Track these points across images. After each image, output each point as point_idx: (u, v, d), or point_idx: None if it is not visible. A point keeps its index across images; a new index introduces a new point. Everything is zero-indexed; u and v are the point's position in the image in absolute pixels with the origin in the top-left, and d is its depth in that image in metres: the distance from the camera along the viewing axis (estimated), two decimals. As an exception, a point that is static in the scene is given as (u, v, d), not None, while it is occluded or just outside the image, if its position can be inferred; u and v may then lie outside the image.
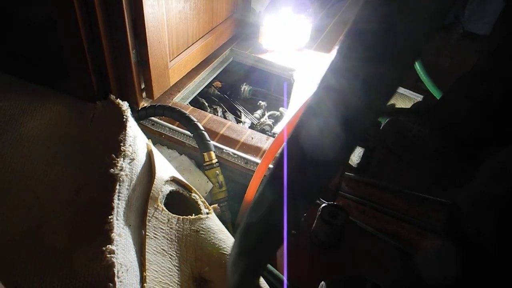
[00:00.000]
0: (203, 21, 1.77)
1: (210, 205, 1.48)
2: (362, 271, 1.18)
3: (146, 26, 1.40)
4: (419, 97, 1.63)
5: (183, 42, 1.69)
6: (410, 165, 1.42)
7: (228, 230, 1.44)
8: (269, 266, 1.14)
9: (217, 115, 1.82)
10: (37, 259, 0.99)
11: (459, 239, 0.89)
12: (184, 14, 1.62)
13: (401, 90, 1.63)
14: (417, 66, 1.62)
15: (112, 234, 0.95)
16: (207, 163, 1.40)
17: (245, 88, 1.97)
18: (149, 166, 1.17)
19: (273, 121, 1.82)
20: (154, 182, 1.11)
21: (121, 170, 1.07)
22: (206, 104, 1.89)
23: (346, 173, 1.39)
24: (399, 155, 1.44)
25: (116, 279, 0.87)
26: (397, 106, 1.64)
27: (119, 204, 1.02)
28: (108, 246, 0.92)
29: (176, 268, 1.02)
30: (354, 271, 1.18)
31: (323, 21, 2.20)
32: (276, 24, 1.91)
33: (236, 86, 1.99)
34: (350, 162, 1.42)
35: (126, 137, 1.19)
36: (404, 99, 1.64)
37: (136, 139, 1.21)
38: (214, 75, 1.94)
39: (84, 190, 1.16)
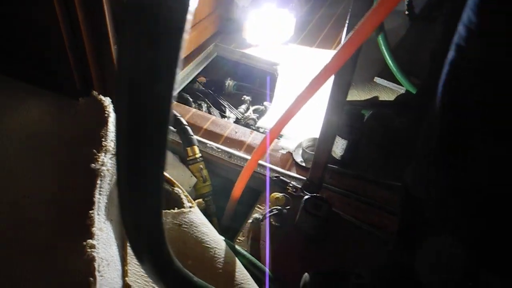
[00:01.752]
0: (186, 16, 1.76)
1: (194, 200, 1.49)
2: (347, 262, 1.19)
3: (127, 21, 1.40)
4: (402, 90, 1.64)
5: (166, 37, 1.68)
6: (393, 156, 1.43)
7: (213, 225, 1.45)
8: (252, 258, 1.15)
9: (202, 111, 1.82)
10: (20, 257, 0.98)
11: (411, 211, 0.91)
12: (166, 9, 1.61)
13: (384, 82, 1.65)
14: (389, 59, 1.62)
15: (93, 229, 0.94)
16: (191, 157, 1.40)
17: (229, 83, 1.97)
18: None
19: (258, 115, 1.82)
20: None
21: (102, 165, 1.07)
22: (191, 99, 1.88)
23: (329, 165, 1.40)
24: (383, 146, 1.45)
25: (96, 273, 0.87)
26: (380, 99, 1.65)
27: (101, 199, 1.02)
28: (88, 240, 0.91)
29: (159, 262, 1.02)
30: (339, 262, 1.19)
31: (307, 15, 2.21)
32: (260, 19, 1.91)
33: (221, 81, 1.99)
34: (333, 154, 1.43)
35: (108, 132, 1.19)
36: (388, 91, 1.66)
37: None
38: (198, 71, 1.94)
39: (67, 186, 1.15)
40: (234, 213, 1.37)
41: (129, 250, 0.98)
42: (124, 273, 0.93)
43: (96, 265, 0.88)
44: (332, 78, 1.12)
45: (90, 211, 0.98)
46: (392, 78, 1.62)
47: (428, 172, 0.84)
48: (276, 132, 1.11)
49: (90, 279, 0.86)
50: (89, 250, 0.91)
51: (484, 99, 0.67)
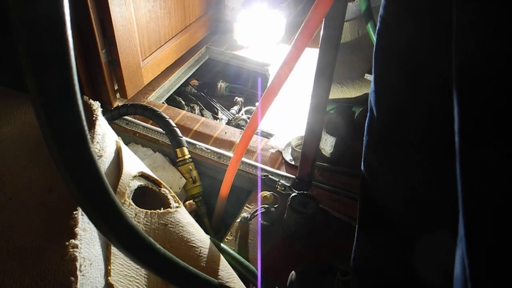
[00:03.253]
0: (175, 20, 1.77)
1: (185, 201, 1.49)
2: (336, 259, 1.18)
3: (114, 25, 1.41)
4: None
5: (155, 41, 1.69)
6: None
7: (204, 225, 1.45)
8: (239, 257, 1.14)
9: (195, 113, 1.83)
10: (8, 259, 0.98)
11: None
12: (154, 13, 1.62)
13: (373, 79, 1.64)
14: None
15: (76, 229, 0.95)
16: (180, 159, 1.40)
17: (221, 85, 1.98)
18: (117, 162, 1.17)
19: (249, 116, 1.82)
20: (121, 178, 1.11)
21: (87, 166, 1.07)
22: (183, 102, 1.89)
23: (319, 163, 1.40)
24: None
25: (78, 273, 0.87)
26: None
27: (85, 200, 1.02)
28: (71, 240, 0.92)
29: (143, 261, 1.02)
30: (328, 259, 1.18)
31: (299, 16, 2.21)
32: (250, 20, 1.92)
33: (213, 84, 2.00)
34: (323, 152, 1.43)
35: (95, 135, 1.19)
36: (377, 88, 1.65)
37: (105, 137, 1.21)
38: (190, 73, 1.95)
39: (57, 189, 1.16)
40: (223, 213, 1.38)
41: (113, 250, 0.98)
42: (107, 273, 0.94)
43: (78, 264, 0.89)
44: (312, 74, 1.13)
45: (74, 212, 0.98)
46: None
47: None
48: (252, 129, 1.11)
49: (71, 278, 0.86)
50: (71, 250, 0.91)
51: None
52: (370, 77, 1.68)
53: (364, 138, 0.89)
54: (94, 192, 0.56)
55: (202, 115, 1.86)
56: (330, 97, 1.66)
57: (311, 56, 1.06)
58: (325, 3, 0.83)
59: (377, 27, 0.74)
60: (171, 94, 1.87)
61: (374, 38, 1.65)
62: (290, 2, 2.20)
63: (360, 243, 0.97)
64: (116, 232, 0.63)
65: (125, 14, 1.44)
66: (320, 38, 1.07)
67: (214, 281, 0.91)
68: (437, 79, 0.68)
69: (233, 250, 1.17)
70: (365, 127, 0.87)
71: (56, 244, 0.98)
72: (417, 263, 0.86)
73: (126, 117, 1.57)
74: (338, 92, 1.65)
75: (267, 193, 1.27)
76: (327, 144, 1.39)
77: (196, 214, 1.44)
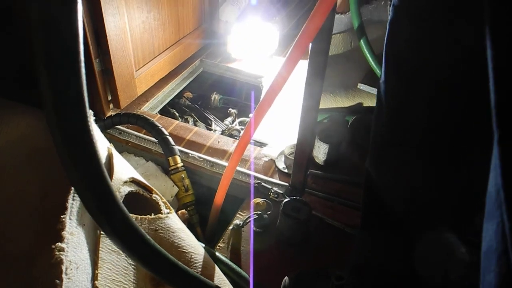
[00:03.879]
0: (169, 31, 1.79)
1: (177, 210, 1.47)
2: (330, 265, 1.16)
3: (107, 35, 1.41)
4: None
5: (149, 52, 1.70)
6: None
7: (197, 234, 1.43)
8: (231, 263, 1.12)
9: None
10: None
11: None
12: (148, 24, 1.64)
13: (368, 88, 1.65)
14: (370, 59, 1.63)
15: (63, 233, 0.93)
16: (172, 167, 1.39)
17: (215, 97, 1.98)
18: (108, 167, 1.16)
19: (243, 127, 1.82)
20: (112, 183, 1.09)
21: (77, 171, 1.06)
22: (177, 114, 1.89)
23: (312, 170, 1.39)
24: (367, 149, 1.44)
25: (63, 276, 0.85)
26: (365, 105, 1.65)
27: (74, 204, 1.01)
28: (57, 244, 0.90)
29: (132, 266, 1.00)
30: (321, 266, 1.16)
31: (293, 29, 2.23)
32: (244, 33, 1.94)
33: (207, 96, 2.00)
34: (316, 160, 1.42)
35: (86, 141, 1.18)
36: (372, 97, 1.66)
37: (96, 143, 1.20)
38: (184, 85, 1.95)
39: (50, 196, 1.14)
40: (218, 222, 1.36)
41: (101, 255, 0.96)
42: (94, 277, 0.91)
43: (63, 267, 0.87)
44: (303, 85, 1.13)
45: (62, 216, 0.97)
46: (376, 84, 1.62)
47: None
48: (247, 138, 1.11)
49: (56, 281, 0.84)
50: (57, 253, 0.89)
51: None
52: (363, 87, 1.69)
53: (370, 136, 0.88)
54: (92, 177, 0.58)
55: (196, 126, 1.85)
56: (324, 106, 1.66)
57: (302, 67, 1.08)
58: (319, 17, 0.86)
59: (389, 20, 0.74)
60: (165, 106, 1.87)
61: (367, 53, 1.68)
62: (284, 16, 2.22)
63: (361, 243, 0.95)
64: (112, 221, 0.63)
65: (119, 24, 1.45)
66: (309, 50, 1.08)
67: (207, 281, 0.90)
68: (437, 79, 0.68)
69: (226, 257, 1.15)
70: (372, 125, 0.87)
71: (47, 251, 0.96)
72: (417, 262, 0.85)
73: (119, 126, 1.57)
74: (331, 102, 1.66)
75: (259, 200, 1.26)
76: (320, 152, 1.39)
77: (189, 223, 1.42)
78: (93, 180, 0.60)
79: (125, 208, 0.69)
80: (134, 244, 0.72)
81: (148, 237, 0.75)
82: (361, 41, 1.70)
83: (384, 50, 0.76)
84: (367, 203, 0.93)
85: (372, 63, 1.65)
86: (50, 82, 0.50)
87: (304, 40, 0.92)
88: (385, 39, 0.75)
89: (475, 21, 0.60)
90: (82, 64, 0.50)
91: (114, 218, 0.67)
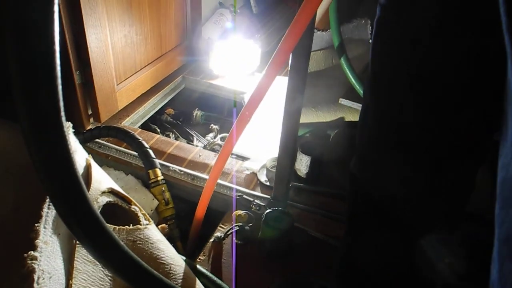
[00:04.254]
0: (151, 47, 1.79)
1: (157, 224, 1.44)
2: (313, 276, 1.14)
3: (88, 47, 1.41)
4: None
5: (131, 66, 1.69)
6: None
7: (178, 248, 1.39)
8: (212, 276, 1.09)
9: (169, 140, 1.80)
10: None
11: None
12: (130, 38, 1.63)
13: (349, 103, 1.67)
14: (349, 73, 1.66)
15: (37, 241, 0.90)
16: (152, 180, 1.36)
17: (197, 113, 1.97)
18: (86, 178, 1.13)
19: (223, 142, 1.81)
20: (89, 192, 1.07)
21: (53, 181, 1.03)
22: (158, 130, 1.87)
23: (294, 183, 1.38)
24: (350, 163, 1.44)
25: (35, 285, 0.82)
26: (346, 120, 1.67)
27: (49, 213, 0.98)
28: (30, 252, 0.87)
29: (109, 278, 0.96)
30: (304, 277, 1.14)
31: (275, 48, 2.25)
32: (226, 50, 1.95)
33: (189, 112, 1.99)
34: (299, 173, 1.41)
35: (63, 151, 1.16)
36: (353, 112, 1.67)
37: (75, 154, 1.17)
38: (166, 101, 1.95)
39: (24, 207, 1.11)
40: (199, 236, 1.33)
41: (76, 265, 0.93)
42: (68, 287, 0.88)
43: (35, 277, 0.83)
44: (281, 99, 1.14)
45: (36, 224, 0.94)
46: (357, 99, 1.65)
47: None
48: (228, 149, 1.11)
49: (27, 291, 0.81)
50: (29, 261, 0.86)
51: None
52: (345, 102, 1.71)
53: (357, 136, 0.88)
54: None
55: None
56: (305, 121, 1.67)
57: (283, 84, 1.11)
58: (295, 35, 0.90)
59: (376, 19, 0.74)
60: (146, 122, 1.85)
61: (348, 71, 1.70)
62: (267, 35, 2.25)
63: (347, 245, 0.94)
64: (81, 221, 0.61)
65: (100, 36, 1.45)
66: (289, 67, 1.10)
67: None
68: (433, 80, 0.68)
69: (207, 270, 1.12)
70: (358, 126, 0.87)
71: (18, 265, 0.92)
72: (407, 265, 0.83)
73: (98, 140, 1.54)
74: (313, 116, 1.66)
75: (241, 212, 1.24)
76: (303, 164, 1.38)
77: (169, 238, 1.39)
78: (63, 178, 0.58)
79: (98, 212, 0.67)
80: (106, 249, 0.69)
81: (122, 243, 0.72)
82: (342, 59, 1.73)
83: (370, 51, 0.77)
84: (352, 206, 0.91)
85: (353, 80, 1.67)
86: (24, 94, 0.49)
87: (281, 56, 0.96)
88: (372, 38, 0.76)
89: (469, 23, 0.61)
90: (58, 75, 0.50)
91: (86, 221, 0.64)
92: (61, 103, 0.51)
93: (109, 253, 0.69)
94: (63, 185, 0.59)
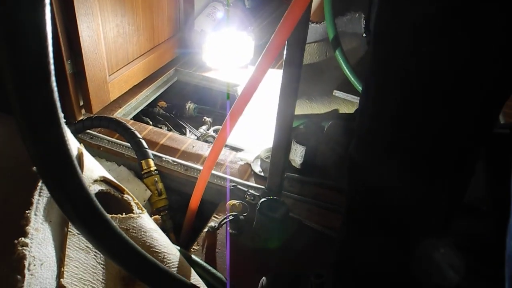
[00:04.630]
0: (143, 38, 1.77)
1: (150, 215, 1.42)
2: (308, 267, 1.13)
3: (80, 35, 1.38)
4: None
5: (123, 57, 1.67)
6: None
7: (171, 240, 1.37)
8: (207, 265, 1.08)
9: (162, 133, 1.78)
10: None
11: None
12: (123, 29, 1.61)
13: (343, 95, 1.66)
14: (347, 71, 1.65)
15: (27, 228, 0.88)
16: (145, 170, 1.35)
17: (190, 106, 1.95)
18: (78, 166, 1.11)
19: (217, 134, 1.80)
20: (81, 180, 1.05)
21: (44, 168, 1.01)
22: (151, 123, 1.85)
23: (289, 173, 1.37)
24: (343, 153, 1.43)
25: (26, 271, 0.80)
26: (340, 112, 1.66)
27: (40, 200, 0.96)
28: (20, 238, 0.85)
29: (101, 266, 0.95)
30: (299, 267, 1.13)
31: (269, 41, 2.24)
32: (219, 42, 1.94)
33: (181, 105, 1.98)
34: (293, 163, 1.40)
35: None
36: (347, 104, 1.67)
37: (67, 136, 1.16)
38: (158, 93, 1.92)
39: (14, 198, 1.09)
40: (192, 227, 1.31)
41: (67, 252, 0.91)
42: (60, 275, 0.86)
43: (26, 263, 0.82)
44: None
45: (27, 211, 0.92)
46: (351, 91, 1.64)
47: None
48: (222, 139, 1.10)
49: (17, 277, 0.79)
50: (20, 248, 0.84)
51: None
52: (339, 94, 1.70)
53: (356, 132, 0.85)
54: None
55: (170, 134, 1.82)
56: (299, 112, 1.66)
57: (277, 76, 1.11)
58: (287, 27, 0.92)
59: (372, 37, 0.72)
60: (138, 114, 1.83)
61: (342, 63, 1.70)
62: (261, 27, 2.24)
63: (343, 239, 0.92)
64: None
65: (92, 25, 1.42)
66: (284, 59, 1.10)
67: (181, 278, 0.85)
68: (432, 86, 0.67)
69: (201, 259, 1.11)
70: (356, 125, 0.84)
71: (7, 256, 0.90)
72: (401, 261, 0.83)
73: (90, 131, 1.52)
74: (307, 108, 1.66)
75: (235, 202, 1.23)
76: (297, 155, 1.37)
77: (162, 229, 1.37)
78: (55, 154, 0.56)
79: (92, 194, 0.65)
80: (100, 231, 0.67)
81: (116, 226, 0.71)
82: (336, 51, 1.73)
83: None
84: (351, 199, 0.89)
85: (348, 72, 1.67)
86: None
87: (274, 47, 0.97)
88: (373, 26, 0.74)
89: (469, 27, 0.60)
90: (52, 68, 0.48)
91: (79, 201, 0.63)
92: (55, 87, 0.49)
93: (104, 237, 0.67)
94: (57, 166, 0.57)
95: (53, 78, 0.48)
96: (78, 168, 0.57)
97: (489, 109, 0.67)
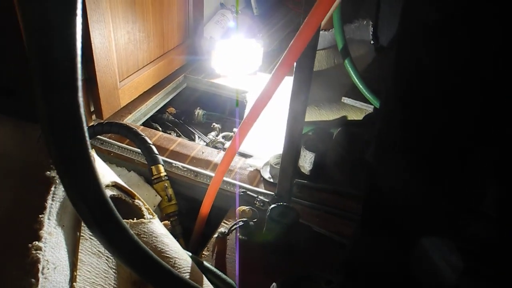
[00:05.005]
0: (154, 44, 1.78)
1: (161, 221, 1.43)
2: (318, 272, 1.13)
3: (92, 42, 1.40)
4: (370, 108, 1.66)
5: (133, 63, 1.69)
6: (362, 169, 1.41)
7: (180, 245, 1.38)
8: (217, 271, 1.08)
9: (171, 139, 1.80)
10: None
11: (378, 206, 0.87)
12: (133, 35, 1.63)
13: (351, 102, 1.66)
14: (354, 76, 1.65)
15: (41, 232, 0.89)
16: (155, 176, 1.36)
17: (199, 112, 1.97)
18: (89, 171, 1.12)
19: (225, 141, 1.81)
20: (93, 185, 1.06)
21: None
22: (160, 129, 1.86)
23: (298, 180, 1.37)
24: (352, 159, 1.44)
25: (40, 275, 0.81)
26: (349, 118, 1.67)
27: (53, 205, 0.97)
28: (34, 242, 0.86)
29: (113, 270, 0.95)
30: (309, 273, 1.13)
31: (277, 48, 2.26)
32: (228, 49, 1.95)
33: (190, 111, 1.99)
34: (302, 170, 1.41)
35: (66, 145, 1.15)
36: (356, 111, 1.67)
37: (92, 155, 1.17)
38: (168, 100, 1.94)
39: (22, 202, 1.10)
40: (202, 233, 1.32)
41: (80, 256, 0.92)
42: (73, 279, 0.87)
43: (40, 267, 0.82)
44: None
45: (40, 215, 0.93)
46: (359, 97, 1.64)
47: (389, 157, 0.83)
48: (234, 147, 1.10)
49: (31, 280, 0.80)
50: (34, 252, 0.85)
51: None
52: (347, 100, 1.70)
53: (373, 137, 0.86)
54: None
55: (179, 140, 1.83)
56: (308, 119, 1.67)
57: (286, 83, 1.12)
58: (305, 36, 0.90)
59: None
60: (147, 120, 1.85)
61: (352, 72, 1.70)
62: (270, 34, 2.26)
63: (358, 244, 0.92)
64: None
65: (104, 32, 1.44)
66: (295, 66, 1.10)
67: (193, 283, 0.86)
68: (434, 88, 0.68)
69: (211, 264, 1.11)
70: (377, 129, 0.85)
71: (17, 261, 0.91)
72: (412, 267, 0.83)
73: (100, 137, 1.53)
74: (316, 115, 1.66)
75: (245, 208, 1.23)
76: (306, 161, 1.38)
77: (171, 234, 1.38)
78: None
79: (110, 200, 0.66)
80: (116, 237, 0.68)
81: (132, 232, 0.71)
82: (346, 61, 1.73)
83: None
84: (367, 203, 0.89)
85: (356, 80, 1.67)
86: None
87: (290, 57, 0.95)
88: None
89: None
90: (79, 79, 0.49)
91: (96, 205, 0.63)
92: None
93: (118, 241, 0.67)
94: (79, 171, 0.58)
95: (79, 84, 0.49)
96: (98, 173, 0.58)
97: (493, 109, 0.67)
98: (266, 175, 1.41)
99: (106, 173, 1.16)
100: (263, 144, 1.61)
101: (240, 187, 1.37)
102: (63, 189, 1.02)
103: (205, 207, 1.24)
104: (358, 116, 1.67)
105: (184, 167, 1.43)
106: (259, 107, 1.05)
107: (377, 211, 0.85)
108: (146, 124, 1.84)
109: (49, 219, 0.93)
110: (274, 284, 1.03)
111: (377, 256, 0.88)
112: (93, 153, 1.20)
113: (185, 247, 1.38)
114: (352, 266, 0.93)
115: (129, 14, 1.57)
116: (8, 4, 1.23)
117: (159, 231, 1.09)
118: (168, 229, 1.38)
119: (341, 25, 1.77)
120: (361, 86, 1.65)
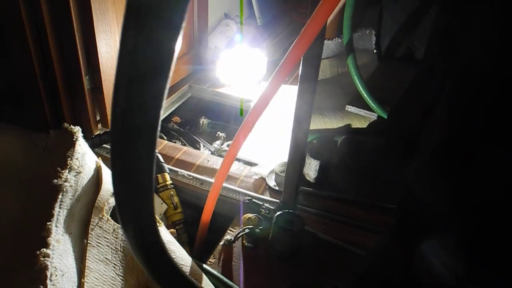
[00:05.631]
0: (159, 54, 1.80)
1: (167, 229, 1.43)
2: (324, 280, 1.13)
3: (98, 52, 1.42)
4: (374, 116, 1.67)
5: (139, 73, 1.70)
6: (367, 177, 1.42)
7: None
8: (224, 278, 1.09)
9: (176, 148, 1.80)
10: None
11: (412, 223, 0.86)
12: (139, 45, 1.65)
13: (355, 110, 1.67)
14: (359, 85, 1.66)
15: (49, 239, 0.90)
16: (161, 184, 1.36)
17: (203, 121, 1.98)
18: (97, 179, 1.13)
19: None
20: (100, 193, 1.07)
21: (65, 181, 1.03)
22: (165, 138, 1.87)
23: (303, 188, 1.38)
24: (356, 167, 1.44)
25: (48, 282, 0.81)
26: (353, 127, 1.67)
27: (60, 212, 0.98)
28: (42, 249, 0.87)
29: (120, 277, 0.96)
30: (316, 280, 1.13)
31: (282, 56, 2.27)
32: (232, 58, 1.97)
33: (195, 120, 2.00)
34: (307, 177, 1.41)
35: (74, 153, 1.16)
36: (360, 119, 1.68)
37: (84, 156, 1.18)
38: (172, 109, 1.95)
39: (29, 211, 1.11)
40: (205, 240, 1.32)
41: (87, 263, 0.92)
42: (80, 286, 0.87)
43: (48, 273, 0.83)
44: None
45: (48, 223, 0.94)
46: (363, 106, 1.66)
47: (431, 172, 0.81)
48: (233, 154, 1.10)
49: (40, 287, 0.80)
50: (42, 259, 0.86)
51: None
52: (351, 109, 1.72)
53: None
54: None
55: (184, 149, 1.84)
56: (313, 127, 1.67)
57: (291, 92, 1.12)
58: (303, 45, 0.92)
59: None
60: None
61: (353, 72, 1.71)
62: (274, 44, 2.27)
63: (377, 254, 0.92)
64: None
65: (110, 42, 1.46)
66: (299, 75, 1.11)
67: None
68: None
69: (217, 271, 1.11)
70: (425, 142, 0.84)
71: (26, 267, 0.92)
72: (420, 273, 0.82)
73: (107, 145, 1.54)
74: (320, 123, 1.67)
75: (251, 215, 1.23)
76: (311, 169, 1.38)
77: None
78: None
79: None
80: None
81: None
82: (349, 58, 1.73)
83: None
84: (405, 208, 0.87)
85: (360, 87, 1.68)
86: None
87: (288, 63, 0.97)
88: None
89: None
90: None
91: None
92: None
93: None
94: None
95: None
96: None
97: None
98: (272, 183, 1.42)
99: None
100: (268, 152, 1.62)
101: (246, 195, 1.37)
102: (70, 196, 1.03)
103: (207, 213, 1.24)
104: (362, 124, 1.68)
105: (189, 175, 1.43)
106: (257, 113, 1.04)
107: (415, 229, 0.84)
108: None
109: (56, 226, 0.94)
110: (281, 291, 1.03)
111: (389, 264, 0.87)
112: (99, 161, 1.21)
113: (190, 254, 1.38)
114: (372, 279, 0.92)
115: (135, 25, 1.58)
116: (16, 16, 1.25)
117: (165, 238, 1.10)
118: (174, 237, 1.39)
119: (352, 13, 1.74)
120: (364, 93, 1.66)
